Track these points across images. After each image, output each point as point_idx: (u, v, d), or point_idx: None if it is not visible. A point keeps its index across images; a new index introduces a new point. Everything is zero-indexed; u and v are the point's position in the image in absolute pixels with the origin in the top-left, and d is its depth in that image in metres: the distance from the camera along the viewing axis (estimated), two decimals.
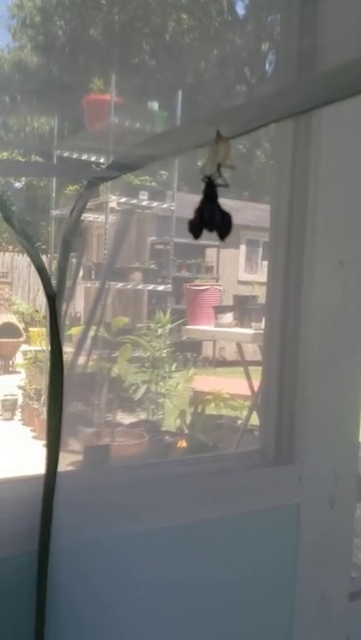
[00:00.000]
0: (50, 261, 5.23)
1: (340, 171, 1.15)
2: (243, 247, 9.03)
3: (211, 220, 0.49)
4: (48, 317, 0.85)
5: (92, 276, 4.97)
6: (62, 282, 0.85)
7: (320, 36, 1.08)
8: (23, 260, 9.46)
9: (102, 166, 0.68)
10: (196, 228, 0.51)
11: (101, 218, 4.92)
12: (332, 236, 1.15)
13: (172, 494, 1.05)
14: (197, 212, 0.50)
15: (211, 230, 0.50)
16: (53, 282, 0.85)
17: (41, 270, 0.83)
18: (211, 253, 8.62)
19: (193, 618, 1.07)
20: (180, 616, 1.05)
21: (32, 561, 0.83)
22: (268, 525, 1.15)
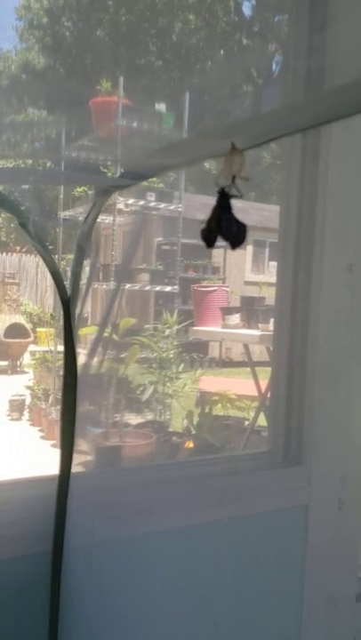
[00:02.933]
0: (58, 261, 5.26)
1: (349, 175, 1.16)
2: (249, 248, 9.03)
3: (229, 230, 0.50)
4: (63, 321, 0.87)
5: (101, 277, 4.99)
6: (76, 286, 0.87)
7: (328, 56, 1.10)
8: (31, 261, 9.50)
9: (110, 170, 0.69)
10: (211, 237, 0.52)
11: (109, 219, 4.94)
12: (341, 240, 1.16)
13: (182, 495, 1.07)
14: (210, 221, 0.52)
15: (226, 240, 0.52)
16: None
17: (55, 274, 0.85)
18: (218, 254, 8.62)
19: (202, 618, 1.08)
20: (189, 616, 1.06)
21: (45, 561, 0.85)
22: (277, 527, 1.16)
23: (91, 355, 0.94)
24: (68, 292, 0.85)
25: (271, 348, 1.37)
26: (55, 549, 0.84)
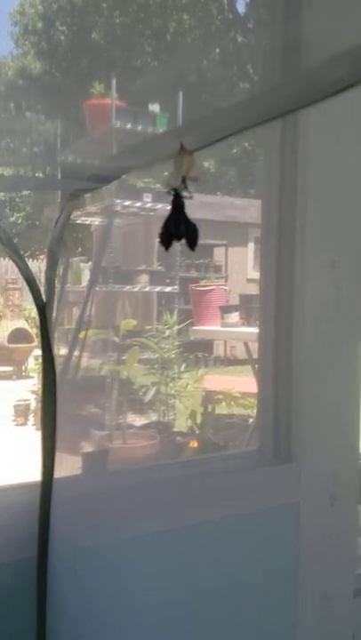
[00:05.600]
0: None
1: (329, 169, 1.16)
2: (251, 245, 9.01)
3: (176, 230, 0.50)
4: (39, 327, 0.87)
5: (100, 280, 5.00)
6: (51, 292, 0.87)
7: (304, 29, 1.09)
8: (33, 266, 9.50)
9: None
10: (164, 239, 0.52)
11: (107, 222, 4.95)
12: (324, 237, 1.15)
13: (172, 497, 1.06)
14: (165, 224, 0.51)
15: (178, 240, 0.51)
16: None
17: (30, 281, 0.85)
18: (219, 253, 8.62)
19: (195, 619, 1.08)
20: (180, 617, 1.06)
21: (31, 567, 0.85)
22: (269, 525, 1.16)
23: (69, 355, 0.94)
24: (44, 298, 0.85)
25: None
26: (40, 555, 0.84)
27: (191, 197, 0.50)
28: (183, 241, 0.53)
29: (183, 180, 0.50)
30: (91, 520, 0.95)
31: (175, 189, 0.51)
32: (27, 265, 0.85)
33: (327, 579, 1.19)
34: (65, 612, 0.87)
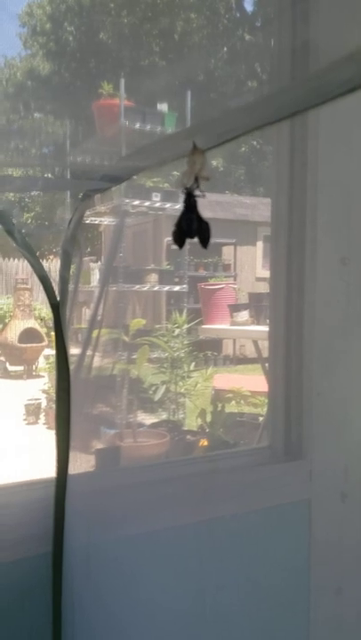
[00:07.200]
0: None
1: (338, 166, 1.16)
2: (260, 244, 9.00)
3: (188, 228, 0.51)
4: (53, 326, 0.88)
5: (110, 279, 5.02)
6: (65, 291, 0.88)
7: (313, 32, 1.10)
8: (43, 266, 9.52)
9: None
10: (177, 237, 0.53)
11: (119, 222, 4.96)
12: (333, 234, 1.16)
13: (183, 493, 1.07)
14: (179, 222, 0.52)
15: (191, 238, 0.52)
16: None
17: (44, 280, 0.86)
18: (228, 251, 8.61)
19: (208, 614, 1.09)
20: (194, 613, 1.07)
21: (46, 562, 0.86)
22: (281, 522, 1.16)
23: (83, 354, 0.95)
24: (58, 296, 0.86)
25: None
26: (55, 550, 0.85)
27: (204, 196, 0.51)
28: (195, 239, 0.54)
29: (196, 179, 0.51)
30: (104, 516, 0.96)
31: (188, 188, 0.52)
32: (40, 264, 0.86)
33: (339, 575, 1.20)
34: (80, 606, 0.89)
